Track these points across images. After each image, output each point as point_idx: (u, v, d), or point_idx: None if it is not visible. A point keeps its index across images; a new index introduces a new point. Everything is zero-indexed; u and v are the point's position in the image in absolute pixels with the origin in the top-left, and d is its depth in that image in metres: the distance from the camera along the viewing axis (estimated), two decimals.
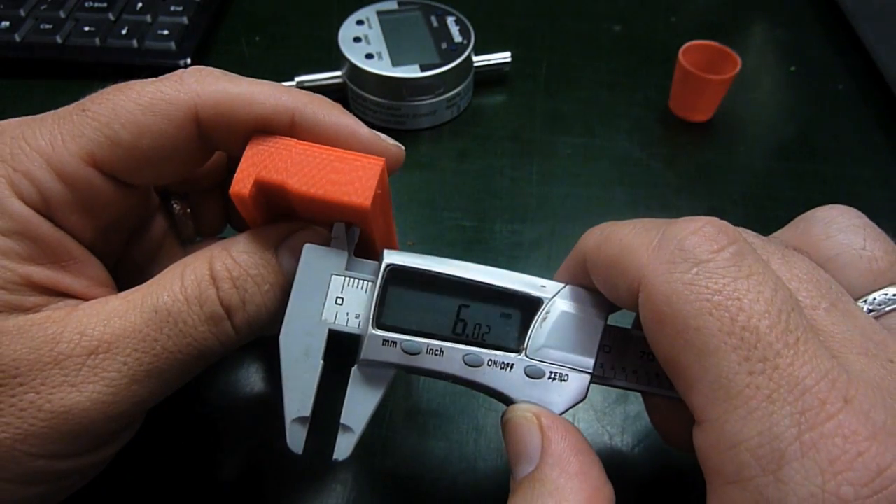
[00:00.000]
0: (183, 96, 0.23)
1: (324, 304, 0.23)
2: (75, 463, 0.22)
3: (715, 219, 0.19)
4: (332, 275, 0.23)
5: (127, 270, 0.27)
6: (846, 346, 0.18)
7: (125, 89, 0.23)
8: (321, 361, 0.23)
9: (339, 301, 0.23)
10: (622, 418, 0.32)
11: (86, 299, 0.23)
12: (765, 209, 0.43)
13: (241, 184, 0.23)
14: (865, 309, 0.21)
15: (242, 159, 0.23)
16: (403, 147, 0.26)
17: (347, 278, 0.23)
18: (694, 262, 0.18)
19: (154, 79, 0.24)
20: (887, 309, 0.21)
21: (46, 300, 0.22)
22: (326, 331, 0.23)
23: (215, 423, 0.32)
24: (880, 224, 0.23)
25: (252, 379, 0.33)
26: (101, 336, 0.21)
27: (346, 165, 0.23)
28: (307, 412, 0.23)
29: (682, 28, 0.57)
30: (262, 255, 0.24)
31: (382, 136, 0.25)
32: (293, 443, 0.23)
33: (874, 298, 0.21)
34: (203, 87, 0.23)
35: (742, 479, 0.17)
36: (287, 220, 0.25)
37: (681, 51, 0.46)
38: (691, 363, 0.18)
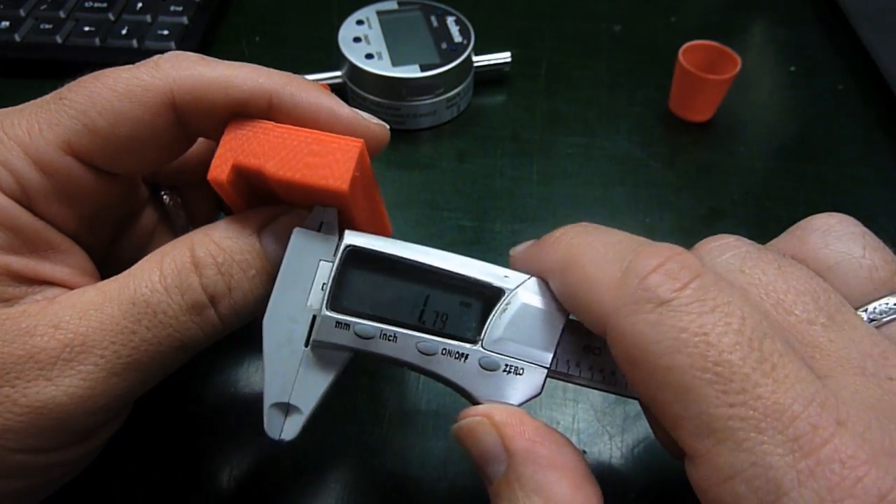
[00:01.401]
0: (158, 82, 0.23)
1: (310, 290, 0.23)
2: (57, 457, 0.22)
3: (677, 251, 0.19)
4: (320, 261, 0.23)
5: (116, 262, 0.27)
6: (842, 365, 0.18)
7: (101, 77, 0.23)
8: (304, 347, 0.23)
9: (326, 287, 0.23)
10: (622, 418, 0.32)
11: (68, 288, 0.23)
12: (765, 209, 0.43)
13: (219, 169, 0.23)
14: (866, 318, 0.20)
15: (220, 144, 0.23)
16: (387, 126, 0.25)
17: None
18: (657, 301, 0.18)
19: (130, 65, 0.23)
20: (888, 318, 0.20)
21: (25, 291, 0.22)
22: (311, 317, 0.23)
23: (210, 422, 0.32)
24: (880, 223, 0.23)
25: (251, 378, 0.33)
26: (77, 329, 0.21)
27: (323, 148, 0.23)
28: (286, 397, 0.22)
29: (682, 28, 0.57)
30: (245, 239, 0.23)
31: (364, 114, 0.25)
32: (270, 428, 0.22)
33: (875, 308, 0.20)
34: (179, 71, 0.23)
35: None
36: (270, 205, 0.25)
37: (681, 51, 0.46)
38: (670, 401, 0.18)
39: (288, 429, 0.23)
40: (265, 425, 0.23)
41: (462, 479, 0.30)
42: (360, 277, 0.23)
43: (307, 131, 0.23)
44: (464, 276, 0.23)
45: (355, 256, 0.23)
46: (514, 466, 0.20)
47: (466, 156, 0.46)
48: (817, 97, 0.51)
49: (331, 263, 0.23)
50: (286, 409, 0.23)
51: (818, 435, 0.16)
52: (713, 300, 0.18)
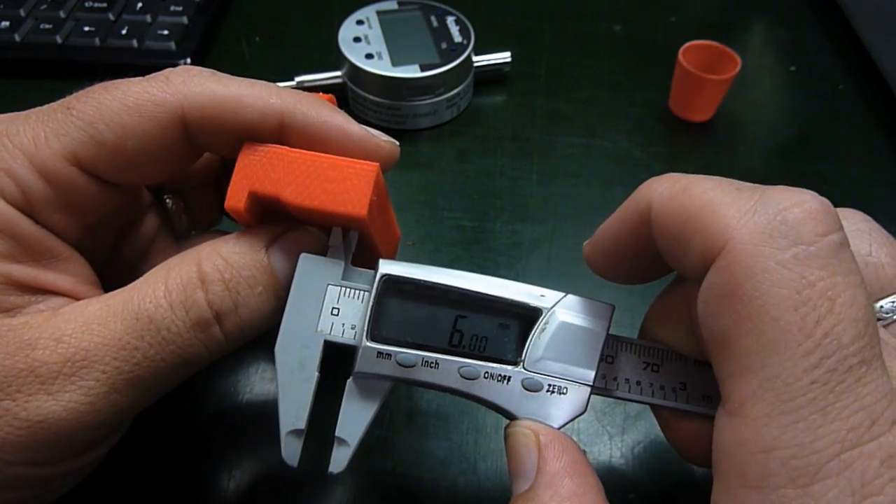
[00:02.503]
0: (170, 98, 0.22)
1: (319, 314, 0.23)
2: (57, 469, 0.22)
3: (820, 196, 0.18)
4: (328, 285, 0.23)
5: (117, 268, 0.27)
6: None
7: (111, 88, 0.23)
8: (317, 373, 0.23)
9: (335, 311, 0.23)
10: (622, 418, 0.32)
11: (70, 297, 0.23)
12: None
13: (236, 197, 0.23)
14: None
15: (235, 171, 0.23)
16: (397, 142, 0.25)
17: (343, 288, 0.23)
18: (795, 240, 0.16)
19: (140, 78, 0.23)
20: (895, 317, 0.20)
21: (27, 300, 0.22)
22: (322, 342, 0.23)
23: (212, 423, 0.32)
24: (880, 223, 0.23)
25: (251, 379, 0.33)
26: (79, 344, 0.21)
27: (339, 174, 0.23)
28: (302, 424, 0.22)
29: (682, 28, 0.57)
30: (253, 255, 0.23)
31: (374, 132, 0.25)
32: (288, 455, 0.23)
33: (881, 306, 0.20)
34: (190, 88, 0.23)
35: (766, 486, 0.16)
36: (281, 221, 0.25)
37: (681, 51, 0.46)
38: (751, 351, 0.16)
39: (337, 462, 0.23)
40: (283, 453, 0.22)
41: (462, 479, 0.30)
42: (398, 306, 0.23)
43: (321, 156, 0.23)
44: (500, 297, 0.23)
45: (391, 285, 0.23)
46: (536, 486, 0.20)
47: (466, 156, 0.46)
48: (817, 97, 0.51)
49: (338, 287, 0.23)
50: (301, 434, 0.22)
51: (871, 430, 0.15)
52: (849, 263, 0.17)
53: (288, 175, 0.23)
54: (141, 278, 0.22)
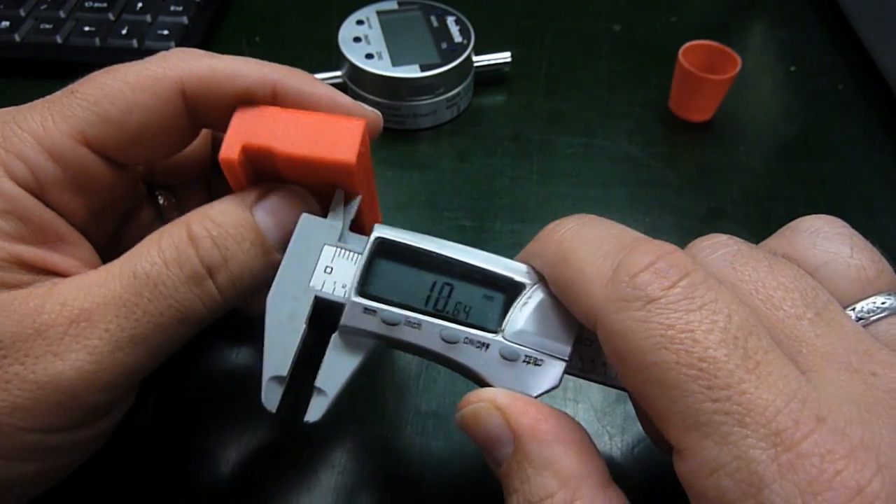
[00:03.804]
0: (168, 72, 0.24)
1: (313, 271, 0.24)
2: (67, 437, 0.22)
3: (668, 249, 0.19)
4: (324, 244, 0.24)
5: (115, 258, 0.28)
6: (827, 360, 0.18)
7: (112, 71, 0.24)
8: (304, 325, 0.23)
9: (329, 270, 0.24)
10: (622, 418, 0.32)
11: None
12: (765, 209, 0.43)
13: (230, 149, 0.24)
14: (854, 317, 0.21)
15: (229, 127, 0.24)
16: (380, 113, 0.27)
17: (339, 249, 0.24)
18: (646, 299, 0.18)
19: (138, 60, 0.24)
20: (875, 317, 0.20)
21: (34, 278, 0.23)
22: (313, 297, 0.24)
23: (210, 423, 0.32)
24: (880, 223, 0.23)
25: (247, 380, 0.33)
26: (82, 305, 0.22)
27: (329, 127, 0.24)
28: (284, 371, 0.23)
29: (682, 28, 0.57)
30: (239, 214, 0.24)
31: (361, 104, 0.27)
32: (268, 400, 0.23)
33: (862, 307, 0.21)
34: (187, 63, 0.24)
35: (725, 503, 0.17)
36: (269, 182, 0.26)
37: (681, 51, 0.46)
38: (657, 397, 0.18)
39: (313, 410, 0.23)
40: (262, 398, 0.23)
41: (462, 479, 0.30)
42: (388, 267, 0.24)
43: (312, 113, 0.25)
44: (487, 269, 0.24)
45: (384, 247, 0.24)
46: (521, 445, 0.20)
47: (466, 156, 0.46)
48: (817, 97, 0.51)
49: (334, 248, 0.24)
50: (282, 381, 0.23)
51: (799, 430, 0.16)
52: (701, 298, 0.18)
53: (280, 129, 0.24)
54: (135, 246, 0.24)
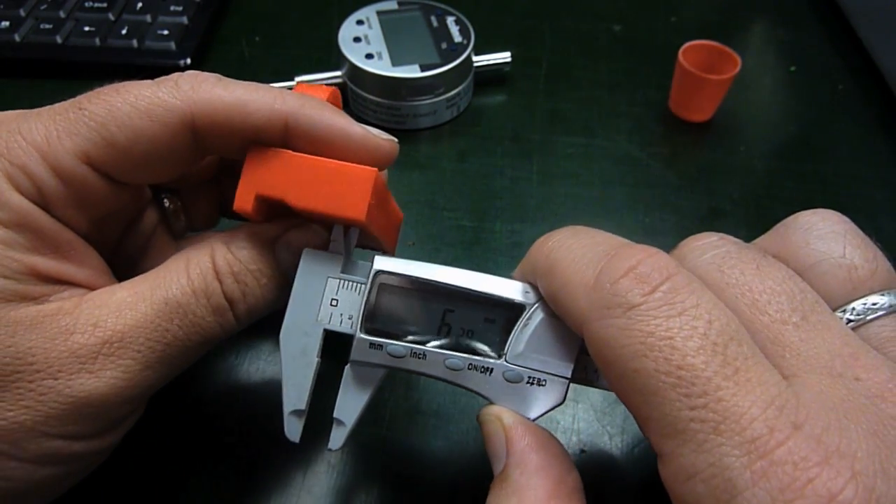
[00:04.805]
0: (179, 103, 0.23)
1: (320, 305, 0.24)
2: (88, 445, 0.23)
3: (650, 252, 0.19)
4: (328, 277, 0.25)
5: (119, 263, 0.28)
6: (809, 365, 0.18)
7: (122, 90, 0.23)
8: (317, 359, 0.24)
9: (334, 303, 0.24)
10: (622, 418, 0.32)
11: (88, 288, 0.24)
12: (765, 209, 0.43)
13: (244, 200, 0.24)
14: (845, 319, 0.20)
15: (242, 175, 0.24)
16: (396, 140, 0.26)
17: (342, 281, 0.25)
18: (626, 306, 0.18)
19: (150, 81, 0.24)
20: (867, 318, 0.20)
21: (51, 289, 0.23)
22: (322, 331, 0.24)
23: (210, 423, 0.32)
24: (880, 223, 0.23)
25: (250, 384, 0.33)
26: (115, 327, 0.22)
27: (340, 178, 0.24)
28: (302, 405, 0.24)
29: (682, 28, 0.57)
30: (260, 250, 0.25)
31: (373, 131, 0.26)
32: (290, 433, 0.25)
33: (853, 308, 0.21)
34: (199, 94, 0.24)
35: None
36: (287, 217, 0.26)
37: (681, 51, 0.46)
38: (639, 403, 0.18)
39: (335, 440, 0.25)
40: (285, 430, 0.25)
41: (462, 479, 0.30)
42: (390, 300, 0.24)
43: (324, 161, 0.24)
44: (486, 293, 0.24)
45: (384, 280, 0.24)
46: (507, 467, 0.21)
47: (466, 156, 0.46)
48: (817, 97, 0.51)
49: (337, 280, 0.25)
50: (302, 414, 0.25)
51: (773, 437, 0.16)
52: (681, 303, 0.18)
53: (292, 179, 0.24)
54: (161, 267, 0.25)
